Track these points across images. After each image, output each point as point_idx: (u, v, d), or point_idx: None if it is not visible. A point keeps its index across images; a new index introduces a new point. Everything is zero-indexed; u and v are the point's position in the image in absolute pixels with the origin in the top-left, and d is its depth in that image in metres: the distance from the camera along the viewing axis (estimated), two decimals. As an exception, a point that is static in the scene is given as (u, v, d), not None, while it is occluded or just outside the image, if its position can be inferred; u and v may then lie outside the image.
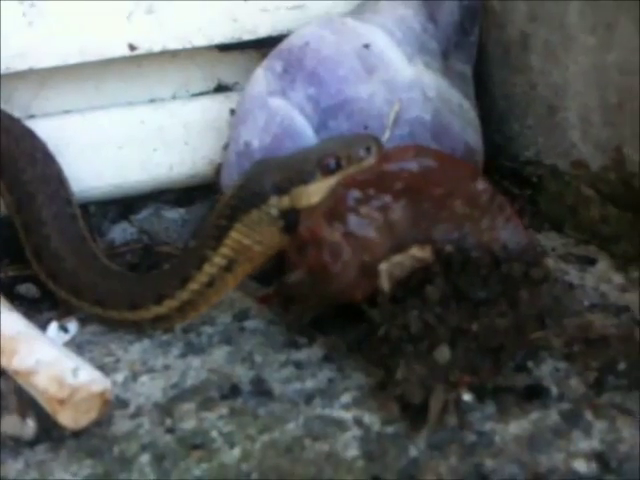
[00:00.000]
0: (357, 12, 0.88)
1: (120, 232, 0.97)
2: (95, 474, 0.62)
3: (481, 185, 0.68)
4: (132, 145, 0.96)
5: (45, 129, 0.91)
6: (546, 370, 0.68)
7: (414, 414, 0.62)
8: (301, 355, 0.73)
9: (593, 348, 0.68)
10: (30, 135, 0.88)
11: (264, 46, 0.97)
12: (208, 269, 0.73)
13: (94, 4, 0.91)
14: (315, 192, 0.70)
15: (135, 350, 0.76)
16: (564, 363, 0.68)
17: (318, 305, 0.74)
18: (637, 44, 0.73)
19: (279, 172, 0.72)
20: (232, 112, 0.97)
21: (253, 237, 0.72)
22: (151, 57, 0.97)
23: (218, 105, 0.98)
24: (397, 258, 0.67)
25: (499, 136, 0.94)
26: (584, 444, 0.61)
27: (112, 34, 0.92)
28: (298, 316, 0.75)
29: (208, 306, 0.76)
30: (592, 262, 0.84)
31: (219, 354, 0.74)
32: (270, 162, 0.75)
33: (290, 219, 0.70)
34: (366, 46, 0.83)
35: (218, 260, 0.73)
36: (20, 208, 0.84)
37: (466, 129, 0.85)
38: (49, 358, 0.66)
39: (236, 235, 0.72)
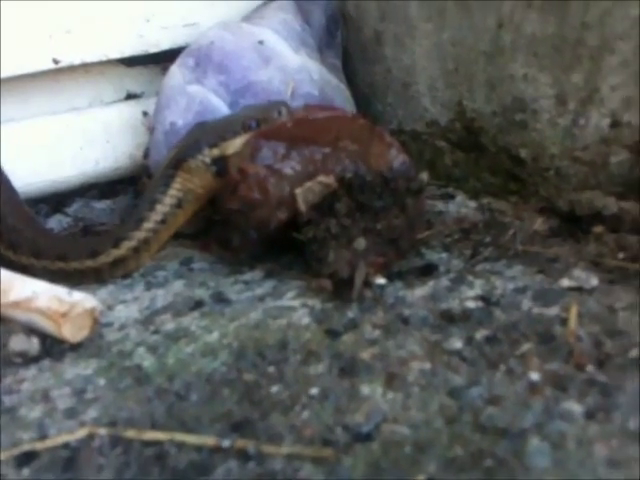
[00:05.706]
0: (247, 18, 1.09)
1: (57, 223, 1.10)
2: (102, 366, 0.75)
3: (360, 123, 0.90)
4: (61, 146, 1.11)
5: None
6: (433, 256, 0.90)
7: (343, 286, 0.81)
8: (246, 277, 0.91)
9: (467, 234, 0.92)
10: None
11: (164, 61, 1.17)
12: (160, 209, 0.90)
13: (21, 28, 1.06)
14: (239, 144, 0.90)
15: (103, 292, 0.89)
16: (445, 252, 0.91)
17: (251, 236, 0.91)
18: (462, 22, 1.00)
19: (211, 131, 0.92)
20: (144, 114, 1.16)
21: (194, 181, 0.91)
22: (68, 72, 1.13)
23: (131, 109, 1.16)
24: (308, 184, 0.87)
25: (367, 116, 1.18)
26: (470, 292, 0.83)
27: (38, 51, 1.08)
28: (238, 250, 0.93)
29: (159, 245, 0.92)
30: (452, 197, 1.08)
31: (178, 285, 0.90)
32: (203, 125, 0.94)
33: (220, 166, 0.90)
34: (260, 42, 1.04)
35: (168, 200, 0.90)
36: None
37: (345, 104, 1.08)
38: (42, 287, 0.79)
39: (180, 180, 0.91)
